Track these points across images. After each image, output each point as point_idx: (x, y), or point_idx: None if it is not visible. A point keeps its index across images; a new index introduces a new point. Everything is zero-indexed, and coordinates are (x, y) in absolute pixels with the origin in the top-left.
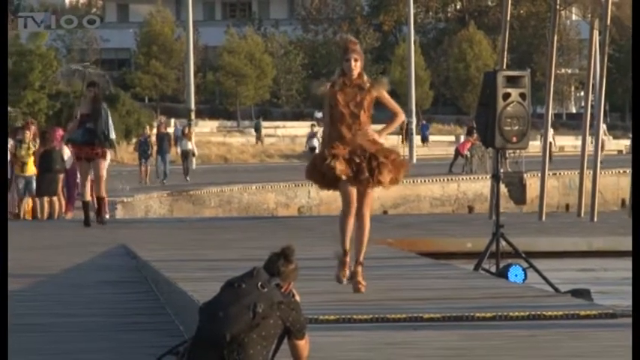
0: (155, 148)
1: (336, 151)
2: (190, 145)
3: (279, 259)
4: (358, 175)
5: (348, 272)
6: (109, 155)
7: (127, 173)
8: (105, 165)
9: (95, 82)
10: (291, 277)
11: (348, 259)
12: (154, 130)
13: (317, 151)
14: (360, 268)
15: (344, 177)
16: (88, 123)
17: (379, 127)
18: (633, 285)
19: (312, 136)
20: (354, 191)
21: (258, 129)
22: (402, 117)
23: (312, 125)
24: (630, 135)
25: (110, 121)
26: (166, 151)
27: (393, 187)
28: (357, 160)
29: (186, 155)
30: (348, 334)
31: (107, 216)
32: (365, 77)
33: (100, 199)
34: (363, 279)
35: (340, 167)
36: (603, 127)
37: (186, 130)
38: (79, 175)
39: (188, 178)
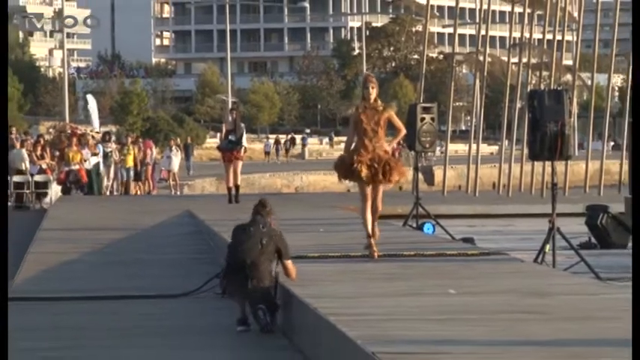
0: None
1: (362, 159)
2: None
3: (259, 207)
4: (375, 176)
5: (375, 249)
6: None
7: None
8: (240, 165)
9: (236, 105)
10: (270, 214)
11: (372, 240)
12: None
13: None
14: (377, 232)
15: (365, 179)
16: (231, 135)
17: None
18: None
19: (267, 144)
20: (368, 190)
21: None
22: (404, 131)
23: (267, 137)
24: (499, 143)
25: (245, 134)
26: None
27: (397, 184)
28: (375, 166)
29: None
30: (325, 266)
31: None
32: (379, 101)
33: (237, 187)
34: (379, 232)
35: (365, 171)
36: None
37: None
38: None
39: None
